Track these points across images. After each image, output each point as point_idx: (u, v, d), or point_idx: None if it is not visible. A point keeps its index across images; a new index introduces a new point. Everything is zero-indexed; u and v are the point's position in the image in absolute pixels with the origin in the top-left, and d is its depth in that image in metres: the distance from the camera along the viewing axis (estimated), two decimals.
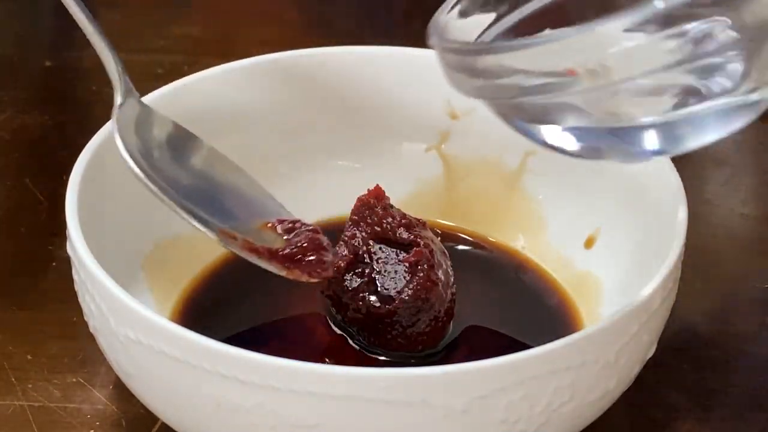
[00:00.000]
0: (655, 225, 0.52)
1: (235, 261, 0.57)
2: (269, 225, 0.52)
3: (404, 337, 0.52)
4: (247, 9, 0.86)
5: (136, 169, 0.50)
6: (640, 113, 0.42)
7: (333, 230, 0.55)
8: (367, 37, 0.79)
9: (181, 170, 0.52)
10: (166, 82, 0.57)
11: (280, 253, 0.51)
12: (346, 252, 0.52)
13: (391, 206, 0.54)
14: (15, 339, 0.56)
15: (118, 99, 0.52)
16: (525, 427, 0.44)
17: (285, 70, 0.59)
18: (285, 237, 0.52)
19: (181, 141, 0.54)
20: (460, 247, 0.59)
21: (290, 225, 0.52)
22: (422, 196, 0.61)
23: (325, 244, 0.51)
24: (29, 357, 0.55)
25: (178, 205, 0.50)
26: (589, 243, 0.57)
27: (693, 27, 0.40)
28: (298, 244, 0.51)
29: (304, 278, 0.51)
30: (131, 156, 0.50)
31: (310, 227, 0.52)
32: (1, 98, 0.75)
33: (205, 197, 0.52)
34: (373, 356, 0.52)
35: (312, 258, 0.51)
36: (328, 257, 0.51)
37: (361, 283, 0.52)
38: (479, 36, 0.49)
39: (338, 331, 0.53)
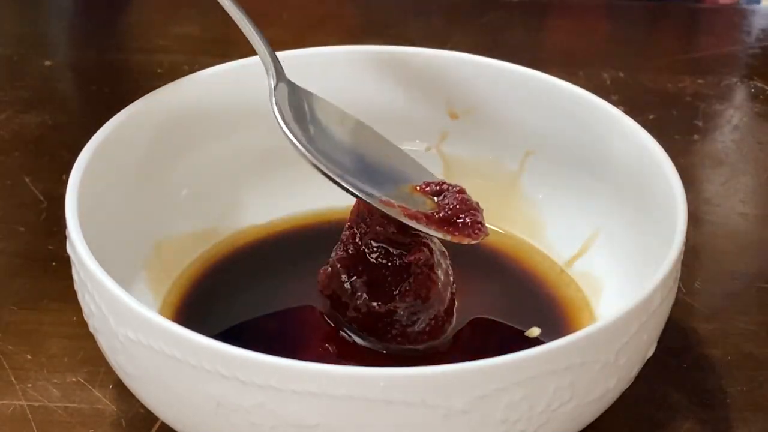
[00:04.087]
0: (655, 225, 0.52)
1: (236, 261, 0.58)
2: (418, 188, 0.53)
3: (404, 337, 0.52)
4: (247, 9, 0.86)
5: (303, 150, 0.51)
6: None
7: (333, 230, 0.55)
8: (368, 37, 0.79)
9: (334, 144, 0.54)
10: (166, 82, 0.57)
11: (437, 216, 0.51)
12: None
13: None
14: (15, 339, 0.56)
15: (272, 81, 0.53)
16: (525, 427, 0.44)
17: (285, 70, 0.59)
18: (435, 199, 0.52)
19: (328, 115, 0.55)
20: (460, 247, 0.59)
21: (437, 187, 0.53)
22: None
23: (474, 204, 0.52)
24: (29, 357, 0.55)
25: (343, 180, 0.51)
26: (580, 253, 0.57)
27: None
28: (451, 206, 0.52)
29: (466, 241, 0.51)
30: (295, 136, 0.51)
31: (456, 188, 0.53)
32: (1, 98, 0.75)
33: (359, 168, 0.53)
34: (374, 356, 0.52)
35: (467, 220, 0.51)
36: (481, 217, 0.52)
37: (361, 282, 0.52)
38: None
39: (338, 331, 0.53)
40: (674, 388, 0.54)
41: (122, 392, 0.52)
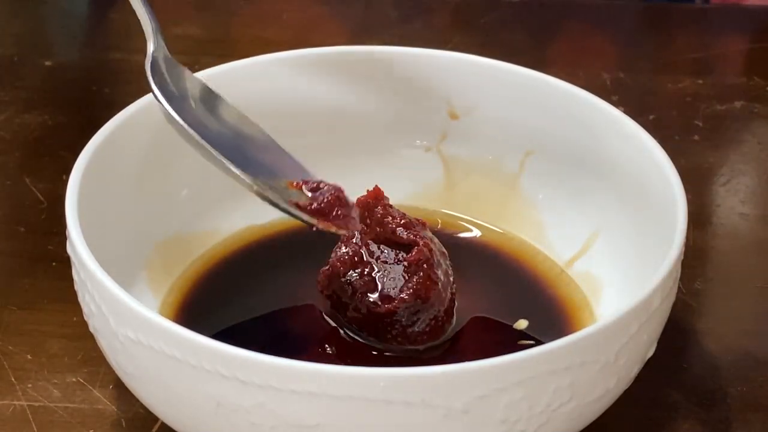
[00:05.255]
0: (655, 225, 0.52)
1: (235, 260, 0.58)
2: (295, 184, 0.53)
3: (404, 337, 0.52)
4: (247, 9, 0.87)
5: (175, 115, 0.50)
6: None
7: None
8: (368, 37, 0.79)
9: (213, 123, 0.53)
10: None
11: (309, 208, 0.52)
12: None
13: (391, 206, 0.54)
14: (15, 339, 0.56)
15: (151, 47, 0.53)
16: (525, 427, 0.44)
17: (285, 70, 0.59)
18: (310, 194, 0.53)
19: (209, 99, 0.54)
20: (460, 247, 0.59)
21: (315, 185, 0.53)
22: (422, 196, 0.61)
23: (349, 203, 0.52)
24: (29, 357, 0.55)
25: (219, 152, 0.50)
26: (580, 254, 0.57)
27: None
28: (325, 200, 0.52)
29: (334, 229, 0.51)
30: (169, 103, 0.51)
31: (334, 187, 0.53)
32: (1, 98, 0.75)
33: (236, 151, 0.52)
34: (374, 356, 0.52)
35: (339, 212, 0.52)
36: (355, 213, 0.52)
37: (361, 282, 0.52)
38: None
39: (338, 331, 0.53)
40: (674, 388, 0.54)
41: (122, 392, 0.52)
